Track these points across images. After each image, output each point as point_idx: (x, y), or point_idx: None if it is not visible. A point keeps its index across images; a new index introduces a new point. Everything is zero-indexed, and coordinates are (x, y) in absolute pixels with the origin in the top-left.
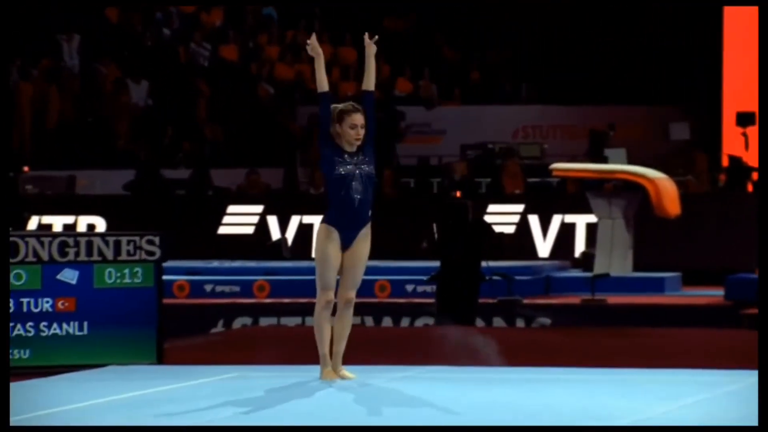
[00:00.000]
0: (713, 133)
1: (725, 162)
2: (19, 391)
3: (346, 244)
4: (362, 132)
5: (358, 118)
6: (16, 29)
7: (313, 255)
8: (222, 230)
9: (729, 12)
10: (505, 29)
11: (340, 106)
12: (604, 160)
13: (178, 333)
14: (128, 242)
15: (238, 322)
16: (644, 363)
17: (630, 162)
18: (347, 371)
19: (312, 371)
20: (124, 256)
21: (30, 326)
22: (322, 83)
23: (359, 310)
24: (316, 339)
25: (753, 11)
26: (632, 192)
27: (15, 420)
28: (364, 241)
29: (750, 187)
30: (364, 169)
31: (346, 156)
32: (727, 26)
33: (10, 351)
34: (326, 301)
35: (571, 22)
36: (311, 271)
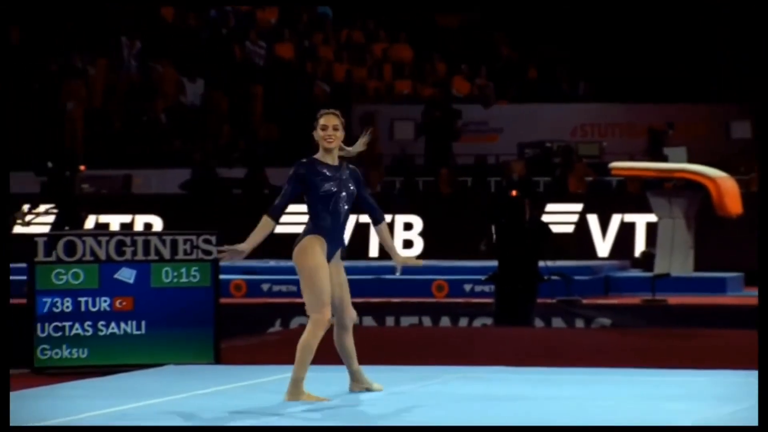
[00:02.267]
0: None
1: (757, 166)
2: (76, 390)
3: (328, 258)
4: (334, 134)
5: (330, 119)
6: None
7: (300, 267)
8: (279, 229)
9: None
10: (562, 26)
11: (320, 112)
12: (664, 159)
13: (235, 332)
14: (185, 241)
15: (295, 322)
16: (706, 364)
17: (690, 161)
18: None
19: (367, 371)
20: (181, 256)
21: (88, 325)
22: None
23: (418, 309)
24: (300, 361)
25: None
26: (693, 191)
27: (68, 420)
28: (341, 264)
29: None
30: (349, 187)
31: (326, 171)
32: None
33: (69, 350)
34: (327, 321)
35: (629, 18)
36: (368, 270)
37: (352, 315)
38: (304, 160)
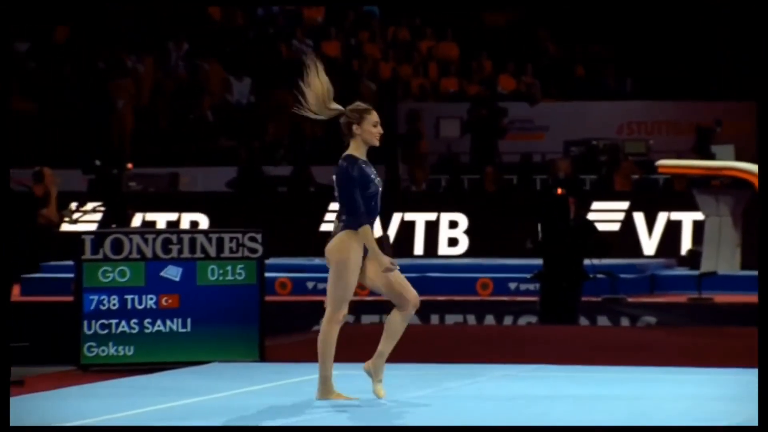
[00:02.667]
0: None
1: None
2: (123, 388)
3: (365, 253)
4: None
5: (377, 116)
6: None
7: (333, 262)
8: (324, 227)
9: None
10: (608, 23)
11: (353, 107)
12: (712, 157)
13: (281, 330)
14: (231, 239)
15: None
16: (751, 363)
17: (738, 158)
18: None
19: (410, 369)
20: (226, 254)
21: (134, 323)
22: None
23: (463, 307)
24: (323, 358)
25: None
26: (740, 189)
27: (115, 417)
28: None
29: None
30: (380, 182)
31: (369, 172)
32: None
33: (115, 348)
34: (343, 317)
35: (676, 15)
36: (414, 268)
37: (412, 296)
38: (354, 161)
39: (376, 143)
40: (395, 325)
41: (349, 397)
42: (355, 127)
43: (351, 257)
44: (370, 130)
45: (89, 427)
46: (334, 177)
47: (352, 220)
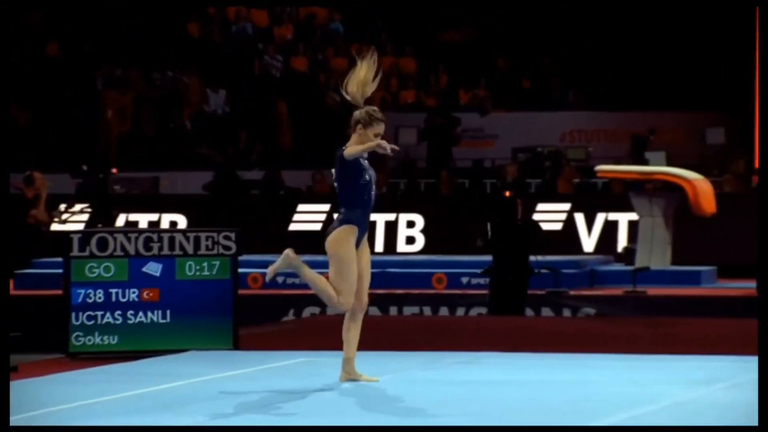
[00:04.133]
0: (747, 137)
1: (758, 164)
2: (107, 374)
3: (357, 245)
4: None
5: (382, 129)
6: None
7: (333, 255)
8: (293, 227)
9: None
10: (554, 41)
11: (371, 110)
12: (645, 162)
13: (253, 321)
14: (207, 238)
15: (307, 312)
16: (681, 350)
17: (669, 164)
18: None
19: (373, 357)
20: (203, 251)
21: (118, 315)
22: (355, 152)
23: (419, 300)
24: (346, 342)
25: None
26: (671, 192)
27: (103, 400)
28: (367, 248)
29: None
30: (374, 175)
31: (362, 160)
32: (760, 38)
33: (100, 337)
34: (350, 305)
35: (614, 34)
36: (374, 264)
37: (363, 301)
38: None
39: (370, 148)
40: (352, 330)
41: (370, 378)
42: (360, 127)
43: (345, 251)
44: (371, 137)
45: (89, 427)
46: (333, 171)
47: (348, 213)
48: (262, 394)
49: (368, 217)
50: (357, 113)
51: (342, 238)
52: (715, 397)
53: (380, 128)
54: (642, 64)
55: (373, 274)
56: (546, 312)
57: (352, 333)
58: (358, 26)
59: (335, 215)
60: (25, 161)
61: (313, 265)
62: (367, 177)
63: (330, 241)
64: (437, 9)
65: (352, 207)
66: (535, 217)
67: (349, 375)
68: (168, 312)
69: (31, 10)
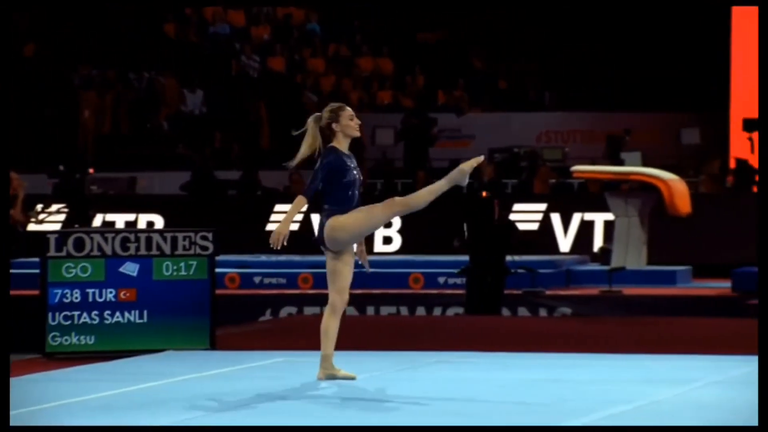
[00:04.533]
0: (722, 138)
1: (732, 165)
2: (85, 374)
3: None
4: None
5: (351, 110)
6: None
7: (334, 248)
8: (270, 227)
9: (737, 26)
10: (530, 42)
11: (326, 109)
12: (621, 163)
13: (230, 321)
14: (184, 238)
15: (284, 311)
16: (657, 349)
17: (645, 164)
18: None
19: (350, 356)
20: (180, 251)
21: (95, 315)
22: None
23: (396, 300)
24: (326, 339)
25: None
26: (647, 192)
27: (80, 400)
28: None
29: (755, 188)
30: (359, 174)
31: (348, 161)
32: (734, 41)
33: (77, 337)
34: (344, 304)
35: (590, 35)
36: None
37: (344, 298)
38: (333, 150)
39: (357, 134)
40: (333, 328)
41: (348, 375)
42: (334, 125)
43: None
44: (348, 123)
45: (65, 427)
46: (317, 166)
47: (333, 208)
48: (239, 394)
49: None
50: (321, 123)
51: (335, 230)
52: (691, 396)
53: (348, 111)
54: (618, 65)
55: None
56: (522, 312)
57: (332, 329)
58: (335, 27)
59: (320, 213)
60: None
61: (296, 265)
62: (350, 176)
63: (325, 239)
64: (414, 10)
65: (337, 204)
66: (512, 217)
67: (327, 371)
68: (145, 312)
69: (10, 11)
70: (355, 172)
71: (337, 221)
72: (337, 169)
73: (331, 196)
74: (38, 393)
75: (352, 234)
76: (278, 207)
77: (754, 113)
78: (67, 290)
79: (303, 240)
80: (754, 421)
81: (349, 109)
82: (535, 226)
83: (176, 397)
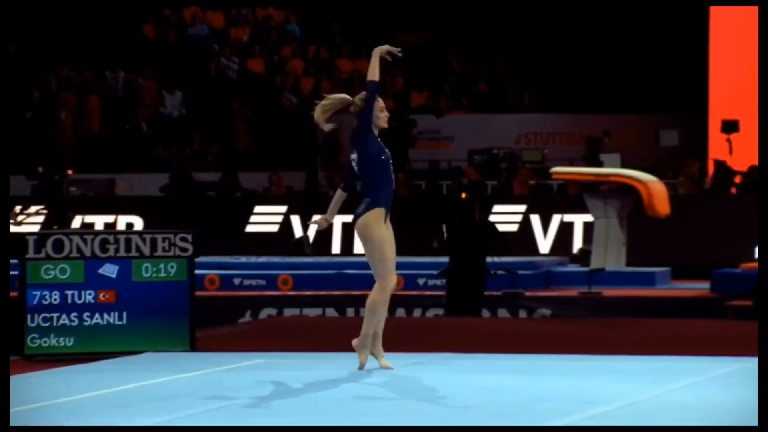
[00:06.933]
0: (701, 140)
1: (711, 166)
2: (64, 375)
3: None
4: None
5: (383, 102)
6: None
7: (368, 239)
8: (249, 228)
9: (714, 27)
10: (509, 43)
11: (357, 98)
12: (600, 164)
13: (209, 323)
14: (163, 240)
15: (263, 313)
16: (637, 350)
17: (623, 166)
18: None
19: (330, 358)
20: (159, 253)
21: (74, 316)
22: (376, 73)
23: None
24: (368, 319)
25: (737, 26)
26: (626, 194)
27: (59, 402)
28: (389, 226)
29: (733, 190)
30: (390, 153)
31: (380, 141)
32: (712, 42)
33: (56, 339)
34: (393, 286)
35: (569, 38)
36: (331, 266)
37: (393, 278)
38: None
39: (385, 125)
40: (383, 309)
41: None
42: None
43: (378, 234)
44: (378, 115)
45: (45, 427)
46: (353, 156)
47: (375, 194)
48: (218, 396)
49: (391, 194)
50: (352, 108)
51: (373, 221)
52: (671, 396)
53: (380, 103)
54: (597, 67)
55: (330, 276)
56: (502, 313)
57: (381, 309)
58: (314, 28)
59: (362, 203)
60: None
61: (275, 266)
62: (387, 155)
63: (361, 226)
64: (393, 11)
65: (377, 188)
66: (492, 218)
67: (372, 351)
68: (124, 314)
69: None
70: (387, 151)
71: (368, 225)
72: (374, 141)
73: (373, 179)
74: (16, 395)
75: (365, 246)
76: (258, 208)
77: (732, 115)
78: (46, 292)
79: (282, 242)
80: (732, 421)
81: (380, 100)
82: (515, 228)
83: (155, 398)
